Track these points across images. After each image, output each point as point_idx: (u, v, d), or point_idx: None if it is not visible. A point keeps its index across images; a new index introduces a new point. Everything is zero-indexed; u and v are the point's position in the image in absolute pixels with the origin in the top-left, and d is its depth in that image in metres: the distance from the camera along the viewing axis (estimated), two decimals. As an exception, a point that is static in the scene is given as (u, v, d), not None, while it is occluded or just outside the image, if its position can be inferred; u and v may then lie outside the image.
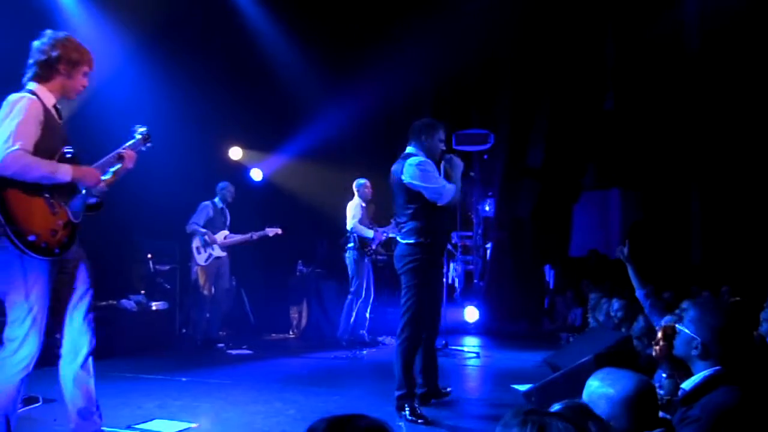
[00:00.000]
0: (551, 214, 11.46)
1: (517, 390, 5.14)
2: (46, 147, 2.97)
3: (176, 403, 4.49)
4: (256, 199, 9.31)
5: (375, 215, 7.88)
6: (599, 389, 2.11)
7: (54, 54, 3.04)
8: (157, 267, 7.73)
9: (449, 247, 8.41)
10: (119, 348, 6.24)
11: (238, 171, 9.21)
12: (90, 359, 3.21)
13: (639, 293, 4.23)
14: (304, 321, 8.62)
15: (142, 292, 7.36)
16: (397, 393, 4.28)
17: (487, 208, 11.18)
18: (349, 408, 3.87)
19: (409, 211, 4.37)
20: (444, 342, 7.07)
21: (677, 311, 2.50)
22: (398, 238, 4.49)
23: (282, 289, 9.03)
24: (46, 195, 2.96)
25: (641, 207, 12.46)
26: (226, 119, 8.74)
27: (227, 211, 7.59)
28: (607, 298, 6.45)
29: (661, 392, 3.14)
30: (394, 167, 4.51)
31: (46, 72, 3.06)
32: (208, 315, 7.36)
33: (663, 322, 3.11)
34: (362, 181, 7.73)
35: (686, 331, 2.37)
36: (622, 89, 11.81)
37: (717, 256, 10.62)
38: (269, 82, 9.24)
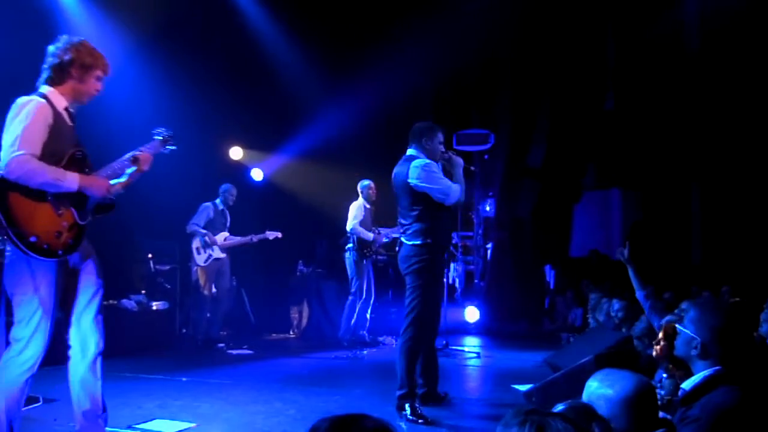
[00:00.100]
0: (552, 214, 11.46)
1: (517, 390, 5.14)
2: (54, 149, 2.97)
3: (176, 403, 4.49)
4: (257, 199, 9.31)
5: (375, 216, 7.87)
6: (598, 390, 2.11)
7: (66, 58, 3.07)
8: (158, 267, 7.74)
9: (450, 247, 8.41)
10: (119, 348, 6.20)
11: (239, 171, 9.21)
12: (99, 361, 3.20)
13: (639, 294, 4.23)
14: (304, 321, 8.62)
15: (143, 292, 7.36)
16: (398, 392, 4.29)
17: (487, 208, 11.19)
18: (350, 408, 3.87)
19: (415, 213, 4.40)
20: (444, 342, 7.08)
21: (676, 311, 2.51)
22: (402, 239, 4.50)
23: (282, 289, 9.04)
24: (50, 197, 2.96)
25: (641, 207, 12.46)
26: (227, 119, 8.74)
27: (228, 212, 7.59)
28: (608, 298, 6.44)
29: (662, 392, 3.14)
30: (397, 170, 4.54)
31: (58, 75, 3.08)
32: (208, 315, 7.36)
33: (663, 322, 3.11)
34: (366, 182, 7.71)
35: (686, 331, 2.38)
36: (622, 89, 11.81)
37: (717, 256, 10.63)
38: (270, 82, 9.24)
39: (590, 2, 10.48)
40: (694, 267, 11.06)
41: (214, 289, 7.37)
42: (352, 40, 9.50)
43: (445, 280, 6.41)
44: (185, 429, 3.89)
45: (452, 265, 10.07)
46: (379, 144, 9.07)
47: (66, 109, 3.11)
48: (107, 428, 3.31)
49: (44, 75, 3.09)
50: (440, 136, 4.57)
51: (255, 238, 7.46)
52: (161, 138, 3.45)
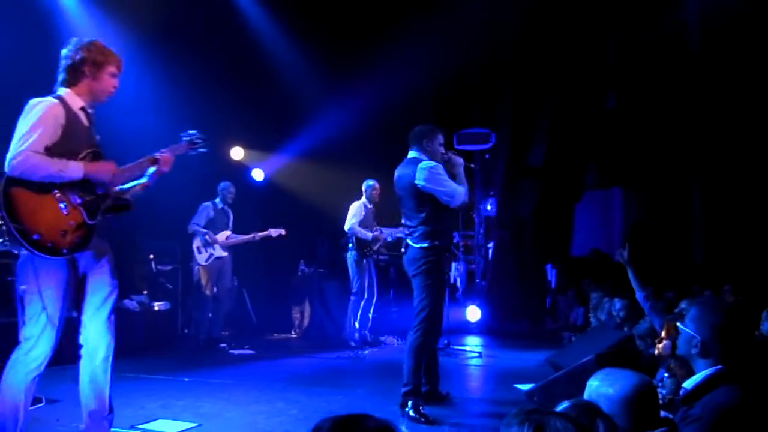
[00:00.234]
0: (553, 214, 11.44)
1: (519, 389, 5.14)
2: (67, 148, 2.99)
3: (179, 403, 4.50)
4: (258, 199, 9.32)
5: (375, 215, 7.87)
6: (599, 389, 2.12)
7: (78, 57, 3.10)
8: (159, 267, 7.76)
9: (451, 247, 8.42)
10: (121, 348, 6.19)
11: (240, 171, 9.22)
12: (109, 362, 3.20)
13: (639, 295, 4.24)
14: (306, 321, 8.63)
15: (145, 292, 7.38)
16: (403, 389, 4.31)
17: (488, 208, 11.19)
18: (352, 408, 3.88)
19: (421, 215, 4.41)
20: (446, 342, 7.08)
21: (676, 310, 2.51)
22: (409, 242, 4.50)
23: (284, 289, 9.05)
24: (57, 195, 2.96)
25: (643, 206, 12.45)
26: (228, 119, 8.74)
27: (230, 211, 7.59)
28: (609, 297, 6.44)
29: (663, 391, 3.14)
30: (400, 171, 4.54)
31: (72, 76, 3.11)
32: (210, 315, 7.37)
33: (665, 321, 3.11)
34: (371, 182, 7.72)
35: (686, 329, 2.38)
36: (624, 88, 11.80)
37: (719, 255, 10.62)
38: (270, 82, 9.25)
39: (592, 2, 10.47)
40: (696, 266, 11.05)
41: (215, 289, 7.38)
42: (353, 40, 9.50)
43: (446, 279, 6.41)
44: (188, 429, 3.89)
45: (454, 265, 10.07)
46: (380, 144, 9.07)
47: (82, 109, 3.12)
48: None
49: (60, 77, 3.12)
50: (440, 138, 4.60)
51: (258, 236, 7.44)
52: (188, 140, 3.46)
